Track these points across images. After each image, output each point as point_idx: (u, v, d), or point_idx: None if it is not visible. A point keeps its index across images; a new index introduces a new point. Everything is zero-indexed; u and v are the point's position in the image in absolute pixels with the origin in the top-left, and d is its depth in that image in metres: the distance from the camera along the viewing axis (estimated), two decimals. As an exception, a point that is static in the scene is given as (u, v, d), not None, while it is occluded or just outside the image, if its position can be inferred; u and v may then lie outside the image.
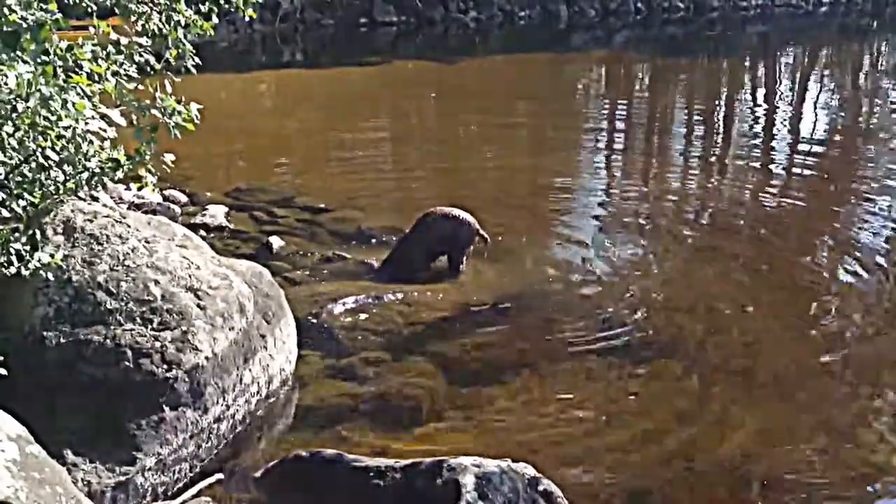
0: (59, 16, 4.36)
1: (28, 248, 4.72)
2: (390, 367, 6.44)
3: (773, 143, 14.20)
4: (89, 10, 5.67)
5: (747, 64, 22.67)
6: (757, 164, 12.66)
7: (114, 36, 5.05)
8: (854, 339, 7.14)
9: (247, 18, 6.39)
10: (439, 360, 6.55)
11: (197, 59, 5.33)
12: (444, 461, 4.33)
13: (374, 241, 8.85)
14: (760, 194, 11.05)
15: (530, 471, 4.38)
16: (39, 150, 4.19)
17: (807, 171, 12.33)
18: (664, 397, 6.21)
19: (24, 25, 3.98)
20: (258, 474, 4.81)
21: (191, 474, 5.10)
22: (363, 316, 7.19)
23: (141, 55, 4.92)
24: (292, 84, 18.58)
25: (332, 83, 18.32)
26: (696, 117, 16.26)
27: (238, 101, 16.20)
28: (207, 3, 6.00)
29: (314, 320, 7.06)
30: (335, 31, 24.91)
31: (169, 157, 4.86)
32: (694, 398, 6.21)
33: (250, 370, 5.66)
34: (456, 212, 8.22)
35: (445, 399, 6.08)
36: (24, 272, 4.75)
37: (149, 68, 5.06)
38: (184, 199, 9.80)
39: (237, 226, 9.18)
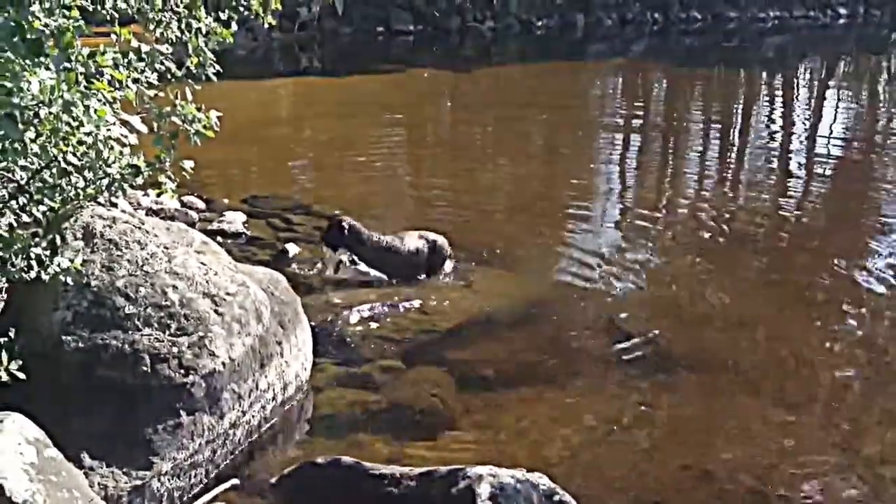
0: (81, 22, 4.39)
1: (48, 252, 4.75)
2: (405, 375, 6.45)
3: (791, 154, 14.16)
4: (110, 17, 5.73)
5: (765, 75, 22.63)
6: (774, 175, 12.64)
7: (135, 43, 5.09)
8: (874, 352, 7.10)
9: (266, 26, 6.44)
10: (454, 369, 6.55)
11: (217, 67, 5.37)
12: (460, 470, 4.34)
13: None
14: (778, 205, 11.03)
15: (545, 481, 4.38)
16: (61, 155, 4.22)
17: (824, 182, 12.30)
18: (679, 408, 6.20)
19: (47, 32, 4.02)
20: (274, 480, 4.83)
21: (206, 480, 5.11)
22: (378, 324, 7.20)
23: (162, 63, 4.95)
24: (309, 92, 18.65)
25: (348, 91, 18.39)
26: (712, 128, 16.24)
27: (256, 108, 16.27)
28: (227, 11, 6.05)
29: (329, 327, 7.08)
30: (352, 39, 25.01)
31: (188, 164, 4.89)
32: (710, 410, 6.19)
33: (266, 376, 5.67)
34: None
35: (460, 407, 6.07)
36: (44, 277, 4.77)
37: (169, 76, 5.09)
38: (201, 205, 9.85)
39: (254, 232, 9.21)
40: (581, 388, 6.39)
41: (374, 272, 8.25)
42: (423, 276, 8.26)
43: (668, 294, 8.13)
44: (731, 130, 16.18)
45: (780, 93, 20.66)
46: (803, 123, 16.84)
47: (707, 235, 9.81)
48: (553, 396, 6.29)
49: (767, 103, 19.32)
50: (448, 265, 8.38)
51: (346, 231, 8.13)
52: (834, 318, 7.67)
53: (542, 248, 9.16)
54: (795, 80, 22.46)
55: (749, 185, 12.34)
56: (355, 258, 8.25)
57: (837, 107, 18.94)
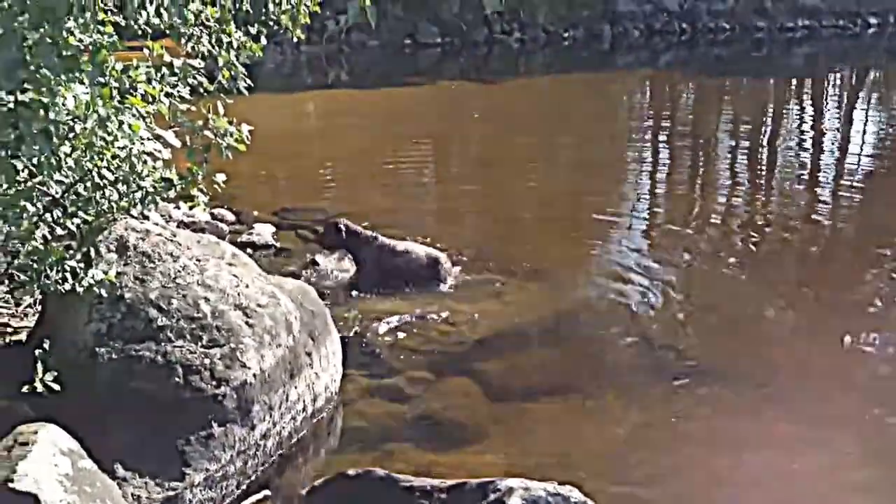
0: (115, 38, 4.45)
1: (82, 265, 4.82)
2: (434, 387, 6.45)
3: (821, 164, 14.04)
4: (143, 31, 5.79)
5: (794, 85, 22.45)
6: (805, 185, 12.53)
7: (167, 58, 5.15)
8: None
9: (294, 39, 6.48)
10: (483, 380, 6.55)
11: (249, 81, 5.43)
12: (491, 482, 4.32)
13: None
14: (809, 215, 10.93)
15: (577, 494, 4.36)
16: (95, 169, 4.28)
17: (856, 192, 12.16)
18: (711, 421, 6.15)
19: (82, 48, 4.08)
20: (305, 492, 4.84)
21: (237, 491, 5.14)
22: (407, 334, 7.21)
23: (194, 77, 5.01)
24: (337, 105, 18.73)
25: (376, 104, 18.45)
26: (742, 138, 16.13)
27: (284, 121, 16.36)
28: (256, 25, 6.10)
29: (359, 338, 7.11)
30: (380, 52, 25.10)
31: (221, 178, 4.93)
32: (742, 423, 6.13)
33: (296, 388, 5.70)
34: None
35: (489, 419, 6.07)
36: (79, 289, 4.84)
37: (202, 90, 5.14)
38: (231, 217, 9.93)
39: (283, 244, 9.26)
40: (612, 401, 6.36)
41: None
42: (424, 283, 8.26)
43: (698, 306, 8.08)
44: (761, 140, 16.06)
45: (809, 102, 20.48)
46: (833, 133, 16.68)
47: (738, 247, 9.74)
48: (583, 408, 6.26)
49: (797, 113, 19.17)
50: (449, 279, 8.36)
51: (343, 232, 8.21)
52: (867, 330, 7.58)
53: (570, 259, 9.13)
54: (825, 90, 22.27)
55: (780, 195, 12.24)
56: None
57: (867, 116, 18.76)
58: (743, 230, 10.42)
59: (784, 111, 19.44)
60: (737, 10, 30.51)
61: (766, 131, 17.16)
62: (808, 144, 15.63)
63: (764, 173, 13.65)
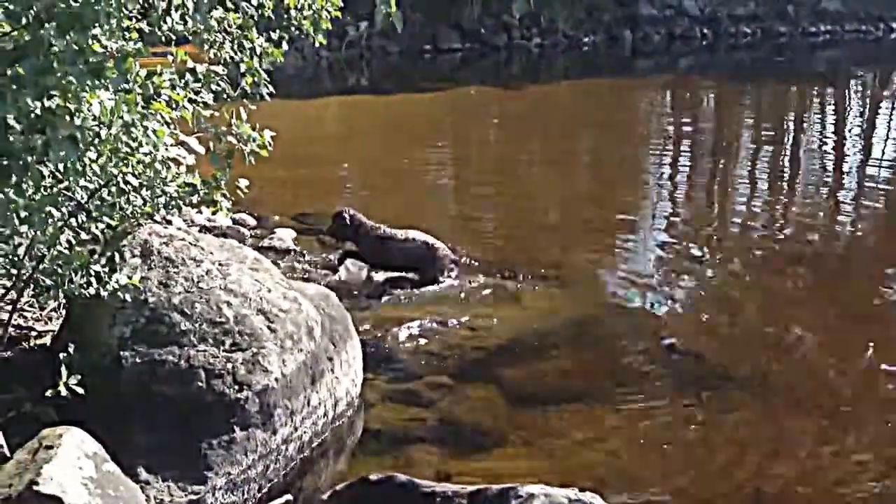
0: (140, 45, 4.49)
1: (107, 269, 4.85)
2: (454, 392, 6.46)
3: (843, 170, 13.96)
4: (166, 38, 5.84)
5: (816, 90, 22.31)
6: (826, 191, 12.46)
7: (191, 64, 5.18)
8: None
9: (316, 45, 6.51)
10: (503, 386, 6.55)
11: (271, 88, 5.46)
12: (512, 488, 4.32)
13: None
14: (830, 221, 10.88)
15: (599, 501, 4.35)
16: (120, 175, 4.32)
17: (877, 199, 12.07)
18: (731, 427, 6.13)
19: (107, 54, 4.12)
20: (326, 497, 4.85)
21: (259, 495, 5.17)
22: (427, 340, 7.22)
23: (218, 83, 5.04)
24: (357, 110, 18.80)
25: (396, 109, 18.50)
26: (763, 144, 16.05)
27: (304, 126, 16.42)
28: (278, 31, 6.14)
29: (379, 343, 7.12)
30: (400, 57, 25.16)
31: (244, 183, 4.96)
32: (761, 429, 6.11)
33: (317, 392, 5.72)
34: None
35: (509, 424, 6.06)
36: (103, 293, 4.87)
37: (225, 96, 5.18)
38: (252, 222, 9.98)
39: (304, 249, 9.30)
40: (631, 407, 6.34)
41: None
42: (425, 275, 8.40)
43: (718, 311, 8.05)
44: (782, 146, 15.99)
45: (832, 108, 20.36)
46: (855, 138, 16.58)
47: (758, 252, 9.69)
48: (603, 414, 6.25)
49: (819, 118, 19.07)
50: (447, 266, 8.48)
51: (347, 221, 8.29)
52: (888, 337, 7.52)
53: (590, 265, 9.12)
54: (847, 95, 22.14)
55: (801, 201, 12.18)
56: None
57: (890, 121, 18.63)
58: (765, 236, 10.38)
59: (806, 116, 19.35)
60: (758, 14, 30.39)
61: (788, 136, 17.08)
62: (830, 149, 15.54)
63: (787, 179, 13.59)
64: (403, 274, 8.55)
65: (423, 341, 7.18)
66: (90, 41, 3.78)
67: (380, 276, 8.61)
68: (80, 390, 4.69)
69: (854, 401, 6.45)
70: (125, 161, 4.29)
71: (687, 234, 10.30)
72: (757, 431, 6.06)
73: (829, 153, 15.22)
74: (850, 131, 17.28)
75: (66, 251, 4.65)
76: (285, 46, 6.01)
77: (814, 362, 7.06)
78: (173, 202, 4.72)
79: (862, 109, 20.24)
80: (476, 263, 8.84)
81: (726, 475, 5.55)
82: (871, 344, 7.32)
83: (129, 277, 4.92)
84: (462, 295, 8.18)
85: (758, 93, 21.78)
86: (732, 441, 5.93)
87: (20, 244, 4.71)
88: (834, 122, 18.30)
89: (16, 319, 5.54)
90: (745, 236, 10.29)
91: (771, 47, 28.92)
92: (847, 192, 12.49)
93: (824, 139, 16.60)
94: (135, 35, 4.78)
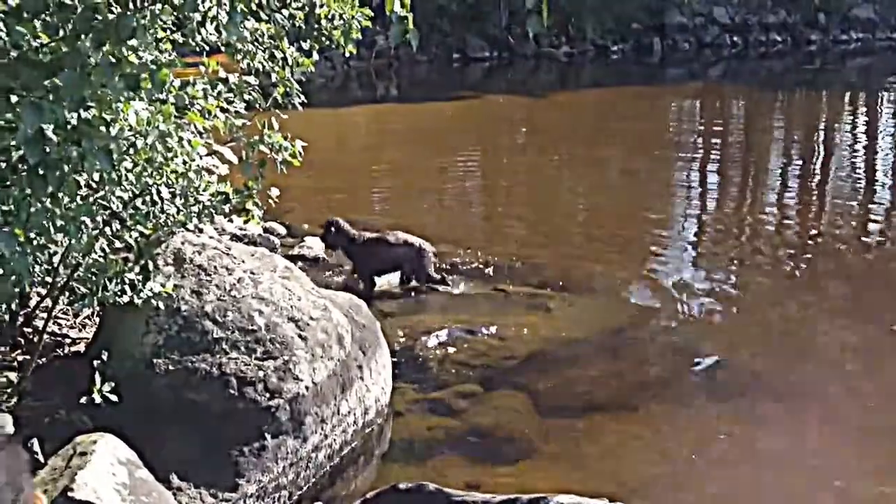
0: (174, 56, 4.54)
1: (140, 277, 4.91)
2: (483, 401, 6.45)
3: (874, 178, 13.82)
4: (199, 48, 5.90)
5: (847, 98, 22.12)
6: (857, 199, 12.33)
7: (223, 74, 5.23)
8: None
9: (346, 55, 6.55)
10: (532, 395, 6.54)
11: (303, 97, 5.50)
12: (542, 498, 4.31)
13: (465, 273, 8.91)
14: (861, 230, 10.77)
15: (628, 510, 4.34)
16: (155, 184, 4.37)
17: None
18: (762, 436, 6.08)
19: (143, 65, 4.17)
20: (356, 504, 4.87)
21: (289, 503, 5.19)
22: (456, 348, 7.23)
23: (250, 93, 5.09)
24: (386, 119, 18.89)
25: (425, 118, 18.56)
26: (793, 152, 15.94)
27: (334, 135, 16.53)
28: (309, 41, 6.18)
29: (408, 352, 7.13)
30: (428, 67, 25.25)
31: (275, 192, 5.00)
32: (792, 438, 6.06)
33: (347, 400, 5.74)
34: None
35: (539, 434, 6.05)
36: (137, 301, 4.94)
37: (258, 105, 5.22)
38: (282, 230, 10.04)
39: (333, 257, 9.34)
40: (662, 416, 6.31)
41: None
42: (408, 279, 8.60)
43: (748, 320, 8.00)
44: (813, 154, 15.84)
45: (863, 116, 20.18)
46: (887, 146, 16.41)
47: (788, 261, 9.62)
48: (633, 424, 6.22)
49: (850, 126, 18.89)
50: (432, 266, 8.61)
51: (333, 230, 8.43)
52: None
53: (620, 273, 9.09)
54: (879, 103, 21.93)
55: (831, 209, 12.06)
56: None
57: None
58: (796, 244, 10.30)
59: (837, 124, 19.17)
60: (789, 22, 30.19)
61: (818, 145, 16.93)
62: (861, 158, 15.39)
63: (817, 187, 13.47)
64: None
65: (451, 350, 7.19)
66: (126, 53, 3.83)
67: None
68: (114, 397, 4.76)
69: (889, 413, 6.37)
70: (160, 171, 4.34)
71: (717, 244, 10.25)
72: (789, 443, 6.00)
73: (861, 162, 15.07)
74: (882, 140, 17.11)
75: (101, 259, 4.71)
76: (316, 56, 6.05)
77: (847, 374, 6.99)
78: (206, 211, 4.77)
79: (893, 117, 20.03)
80: (505, 271, 8.85)
81: (757, 487, 5.50)
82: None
83: (163, 285, 4.98)
84: (491, 303, 8.18)
85: (788, 101, 21.62)
86: (764, 452, 5.87)
87: (55, 252, 4.78)
88: (865, 130, 18.12)
89: (50, 327, 5.60)
90: (777, 246, 10.21)
91: (801, 55, 28.73)
92: (881, 201, 12.35)
93: (856, 148, 16.45)
94: (168, 46, 4.84)
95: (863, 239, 10.50)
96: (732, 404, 6.44)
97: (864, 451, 5.91)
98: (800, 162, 15.15)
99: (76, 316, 6.21)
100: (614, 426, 6.19)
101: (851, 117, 20.09)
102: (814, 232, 10.90)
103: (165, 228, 5.05)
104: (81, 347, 5.87)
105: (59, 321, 6.08)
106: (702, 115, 20.85)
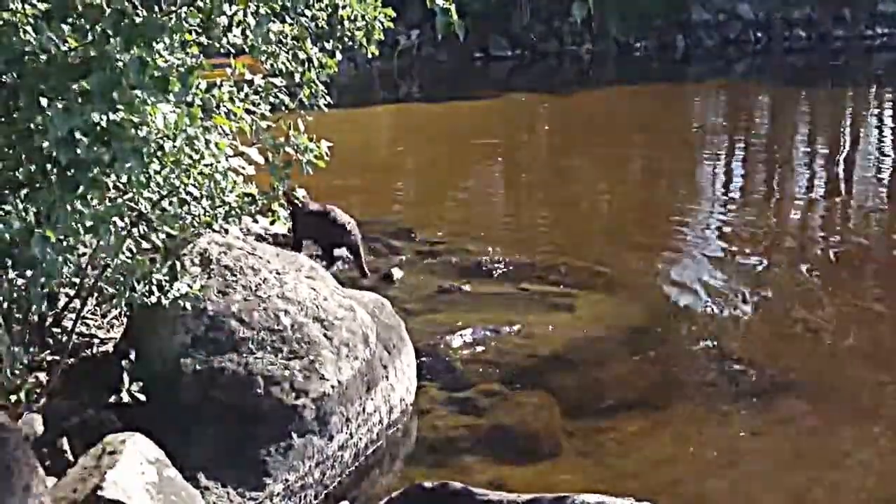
0: (202, 58, 4.59)
1: (168, 278, 4.96)
2: (508, 400, 6.45)
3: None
4: (225, 50, 5.94)
5: (873, 94, 21.90)
6: (885, 197, 12.21)
7: (248, 76, 5.27)
8: None
9: (369, 55, 6.57)
10: (557, 394, 6.53)
11: (328, 98, 5.53)
12: (567, 497, 4.32)
13: (490, 272, 8.91)
14: (890, 230, 10.66)
15: (654, 510, 4.33)
16: (182, 186, 4.41)
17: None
18: (789, 436, 6.05)
19: (170, 68, 4.20)
20: (382, 503, 4.89)
21: (315, 502, 5.23)
22: (481, 347, 7.23)
23: (276, 95, 5.12)
24: (409, 118, 18.90)
25: (447, 117, 18.56)
26: (819, 149, 15.80)
27: (357, 135, 16.54)
28: (332, 42, 6.21)
29: (433, 351, 7.14)
30: (450, 65, 25.24)
31: (301, 193, 5.04)
32: (822, 439, 6.02)
33: (372, 399, 5.77)
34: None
35: (564, 433, 6.05)
36: (164, 302, 4.99)
37: (283, 107, 5.26)
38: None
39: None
40: (688, 415, 6.30)
41: None
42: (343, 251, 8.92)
43: (775, 319, 7.95)
44: (839, 151, 15.68)
45: (889, 111, 19.96)
46: (916, 143, 16.25)
47: (815, 260, 9.55)
48: (659, 423, 6.21)
49: (876, 123, 18.70)
50: (356, 239, 8.82)
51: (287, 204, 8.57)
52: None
53: (645, 271, 9.07)
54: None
55: (859, 209, 11.94)
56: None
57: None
58: (822, 241, 10.22)
59: (863, 121, 18.99)
60: (814, 18, 29.92)
61: (843, 141, 16.77)
62: (887, 155, 15.24)
63: (842, 184, 13.35)
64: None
65: (476, 349, 7.20)
66: (154, 56, 3.87)
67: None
68: (142, 397, 4.82)
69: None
70: (187, 172, 4.38)
71: (742, 241, 10.17)
72: (816, 442, 5.97)
73: (887, 159, 14.92)
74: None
75: (129, 261, 4.76)
76: (339, 56, 6.08)
77: (875, 372, 6.93)
78: (233, 212, 4.82)
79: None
80: (530, 270, 8.84)
81: (784, 487, 5.47)
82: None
83: (190, 286, 5.02)
84: (516, 303, 8.18)
85: (814, 98, 21.43)
86: (791, 451, 5.85)
87: (84, 254, 4.83)
88: (892, 126, 17.94)
89: (79, 327, 5.66)
90: (802, 244, 10.15)
91: (827, 51, 28.44)
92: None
93: (882, 144, 16.28)
94: (195, 49, 4.88)
95: (893, 237, 10.40)
96: (761, 403, 6.41)
97: (893, 449, 5.87)
98: (826, 158, 15.00)
99: (104, 316, 6.27)
100: (639, 425, 6.18)
101: (878, 113, 19.89)
102: (842, 229, 10.82)
103: (192, 229, 5.11)
104: (109, 348, 5.92)
105: (87, 322, 6.14)
106: (726, 111, 20.72)
